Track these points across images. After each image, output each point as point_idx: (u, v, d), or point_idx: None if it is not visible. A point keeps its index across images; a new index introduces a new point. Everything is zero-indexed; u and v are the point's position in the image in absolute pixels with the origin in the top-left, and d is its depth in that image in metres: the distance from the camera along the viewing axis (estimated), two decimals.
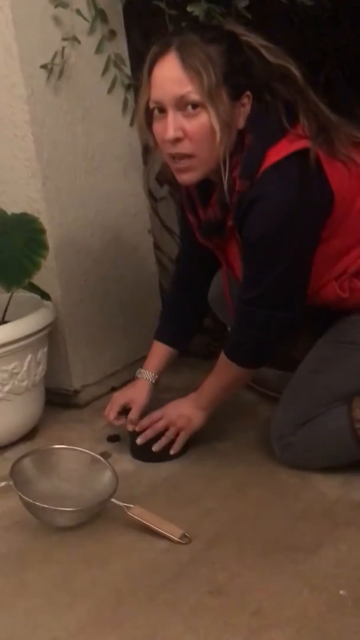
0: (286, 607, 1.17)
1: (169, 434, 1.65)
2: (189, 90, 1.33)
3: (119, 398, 1.74)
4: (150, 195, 2.24)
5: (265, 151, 1.37)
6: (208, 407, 1.63)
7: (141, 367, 1.76)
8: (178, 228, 2.34)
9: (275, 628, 1.13)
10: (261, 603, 1.19)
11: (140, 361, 2.15)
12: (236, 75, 1.35)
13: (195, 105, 1.34)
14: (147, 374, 1.74)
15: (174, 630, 1.15)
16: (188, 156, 1.39)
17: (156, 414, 1.66)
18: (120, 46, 2.01)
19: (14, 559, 1.39)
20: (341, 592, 1.19)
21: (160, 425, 1.65)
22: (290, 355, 1.83)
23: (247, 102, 1.38)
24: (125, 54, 2.02)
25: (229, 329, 1.99)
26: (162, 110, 1.37)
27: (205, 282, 1.75)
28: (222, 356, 1.57)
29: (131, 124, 2.08)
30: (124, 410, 1.72)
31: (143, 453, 1.69)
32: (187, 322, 1.78)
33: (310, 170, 1.36)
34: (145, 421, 1.67)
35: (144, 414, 1.69)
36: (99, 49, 1.95)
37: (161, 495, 1.55)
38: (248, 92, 1.38)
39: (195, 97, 1.33)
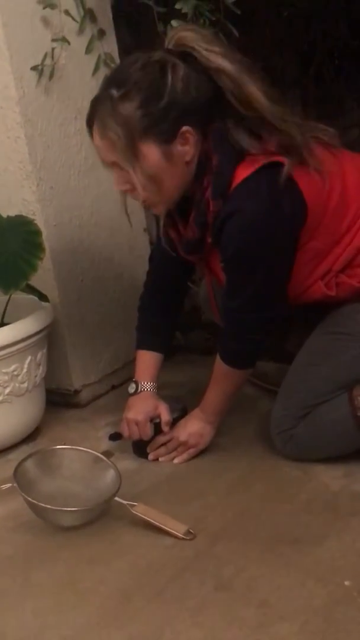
0: (292, 599, 1.18)
1: (180, 450, 1.66)
2: (115, 158, 1.40)
3: (142, 416, 1.66)
4: None
5: (234, 168, 1.39)
6: (215, 420, 1.65)
7: (133, 381, 1.72)
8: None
9: (281, 621, 1.13)
10: (267, 596, 1.19)
11: None
12: (159, 122, 1.35)
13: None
14: (147, 385, 1.70)
15: (181, 626, 1.16)
16: (144, 200, 1.45)
17: (164, 437, 1.67)
18: (110, 45, 2.01)
19: (20, 560, 1.40)
20: (346, 582, 1.20)
21: (172, 444, 1.67)
22: (284, 348, 1.84)
23: (189, 135, 1.38)
24: (115, 53, 2.03)
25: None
26: None
27: (181, 282, 1.77)
28: (218, 364, 1.59)
29: None
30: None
31: (145, 451, 1.69)
32: (168, 325, 1.78)
33: (280, 182, 1.35)
34: (154, 444, 1.68)
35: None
36: (88, 49, 1.95)
37: (164, 492, 1.56)
38: (185, 127, 1.37)
39: (121, 162, 1.39)
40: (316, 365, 1.54)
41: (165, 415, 1.67)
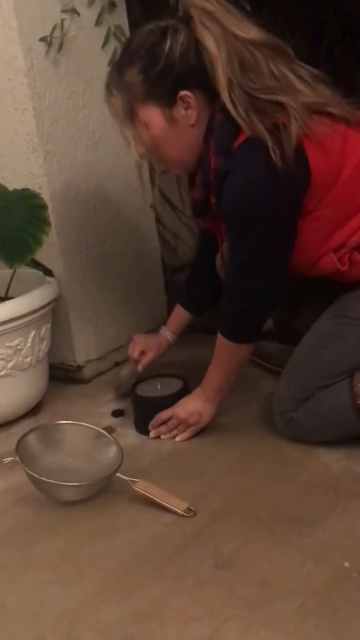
0: (291, 578, 1.18)
1: (181, 429, 1.67)
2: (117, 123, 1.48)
3: (140, 342, 1.87)
4: (152, 169, 2.23)
5: (238, 126, 1.39)
6: (215, 398, 1.65)
7: (164, 324, 1.89)
8: (180, 202, 2.34)
9: (280, 599, 1.14)
10: (266, 575, 1.20)
11: None
12: (157, 86, 1.41)
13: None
14: (167, 334, 1.87)
15: (180, 603, 1.16)
16: (162, 160, 1.53)
17: (165, 414, 1.68)
18: (120, 18, 1.99)
19: (21, 534, 1.41)
20: (345, 563, 1.20)
21: (172, 422, 1.67)
22: (293, 325, 1.84)
23: (189, 99, 1.42)
24: (125, 26, 2.00)
25: None
26: None
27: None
28: (219, 340, 1.59)
29: None
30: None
31: (147, 428, 1.70)
32: (207, 292, 1.83)
33: (284, 144, 1.35)
34: (155, 421, 1.69)
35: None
36: (98, 21, 1.93)
37: (166, 469, 1.56)
38: (184, 92, 1.41)
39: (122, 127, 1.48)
40: (321, 348, 1.54)
41: (145, 357, 1.86)
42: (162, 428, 1.68)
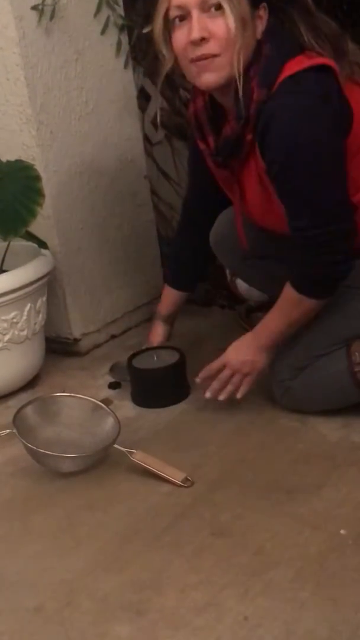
0: (288, 546, 1.19)
1: (235, 381, 1.57)
2: None
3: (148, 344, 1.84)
4: (146, 139, 2.21)
5: (284, 62, 1.36)
6: (271, 346, 1.54)
7: (156, 308, 1.86)
8: (175, 173, 2.32)
9: (277, 567, 1.15)
10: (263, 543, 1.21)
11: (140, 308, 2.16)
12: None
13: (218, 7, 1.33)
14: (159, 316, 1.84)
15: (178, 571, 1.17)
16: (213, 56, 1.36)
17: (216, 364, 1.59)
18: None
19: (19, 505, 1.41)
20: (342, 531, 1.21)
21: (225, 374, 1.57)
22: None
23: (263, 14, 1.38)
24: None
25: (227, 274, 2.00)
26: (184, 17, 1.36)
27: (211, 224, 1.74)
28: (291, 293, 1.46)
29: (125, 66, 2.04)
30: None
31: (144, 399, 1.70)
32: (195, 266, 1.80)
33: (329, 85, 1.34)
34: (205, 373, 1.62)
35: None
36: None
37: (163, 440, 1.57)
38: (264, 4, 1.37)
39: None
40: (319, 317, 1.53)
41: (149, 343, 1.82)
42: (215, 385, 1.59)
